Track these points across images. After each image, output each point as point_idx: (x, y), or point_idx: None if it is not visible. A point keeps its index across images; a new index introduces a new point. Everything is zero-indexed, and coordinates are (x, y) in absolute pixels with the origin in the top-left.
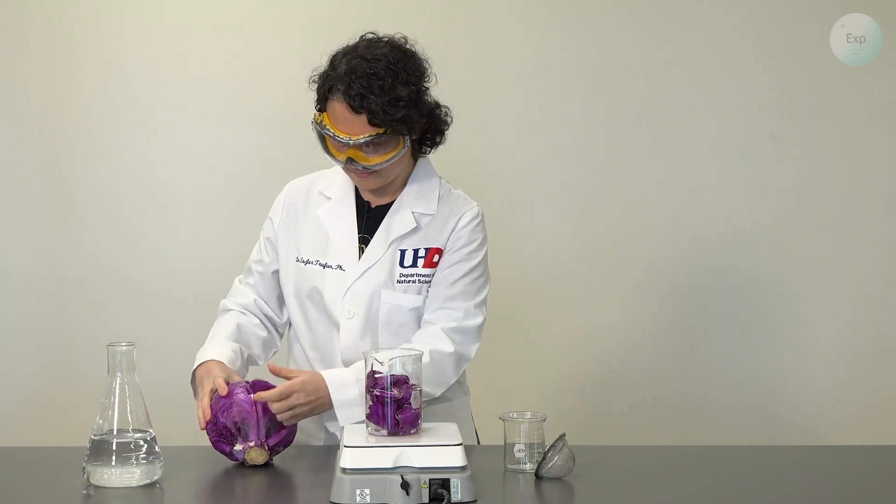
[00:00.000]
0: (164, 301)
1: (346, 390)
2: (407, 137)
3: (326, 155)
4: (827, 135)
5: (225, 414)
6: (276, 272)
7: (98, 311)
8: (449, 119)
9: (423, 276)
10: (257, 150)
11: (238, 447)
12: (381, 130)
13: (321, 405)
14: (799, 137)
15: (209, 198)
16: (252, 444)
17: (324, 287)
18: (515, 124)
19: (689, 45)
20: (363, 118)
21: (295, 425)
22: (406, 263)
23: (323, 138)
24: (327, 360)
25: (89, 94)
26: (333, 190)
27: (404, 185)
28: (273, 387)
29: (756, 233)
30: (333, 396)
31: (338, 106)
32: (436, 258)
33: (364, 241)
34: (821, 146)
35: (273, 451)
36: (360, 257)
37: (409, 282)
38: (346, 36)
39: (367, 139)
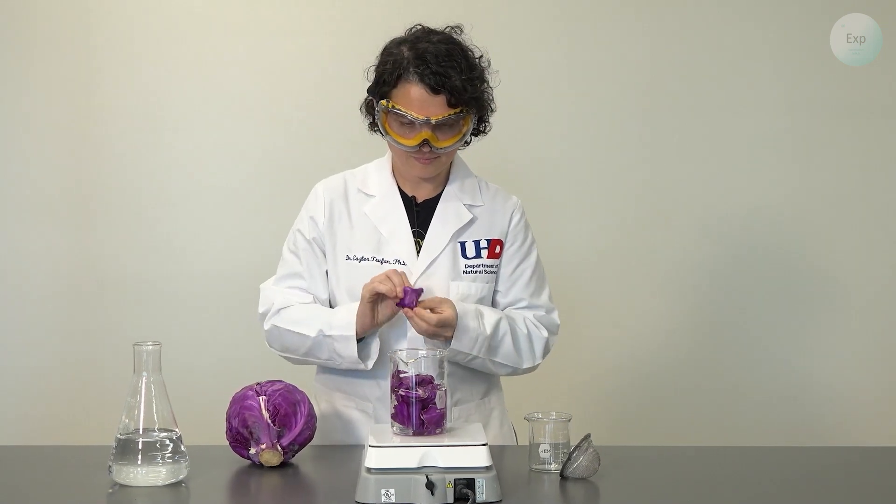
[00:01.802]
0: (189, 302)
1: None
2: (475, 117)
3: (392, 141)
4: (851, 134)
5: (236, 419)
6: (326, 271)
7: (123, 312)
8: (494, 106)
9: (488, 266)
10: (279, 153)
11: (252, 450)
12: (457, 110)
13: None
14: (826, 137)
15: (231, 200)
16: (264, 446)
17: None
18: (538, 122)
19: (715, 45)
20: (441, 99)
21: (312, 425)
22: (469, 254)
23: (384, 125)
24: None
25: (112, 98)
26: (373, 187)
27: (446, 178)
28: (289, 391)
29: (783, 234)
30: (459, 322)
31: (413, 89)
32: (497, 249)
33: (418, 235)
34: (849, 146)
35: (287, 451)
36: (417, 251)
37: (476, 272)
38: (364, 37)
39: (445, 119)
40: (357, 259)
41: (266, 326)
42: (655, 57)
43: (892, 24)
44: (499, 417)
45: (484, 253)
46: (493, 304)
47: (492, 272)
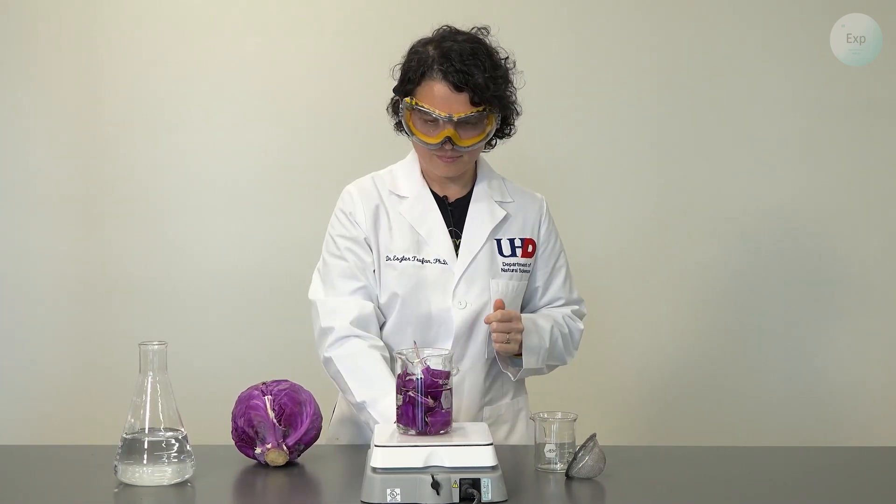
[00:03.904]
0: (195, 302)
1: (535, 336)
2: (498, 116)
3: (415, 139)
4: (867, 133)
5: (242, 419)
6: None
7: (129, 312)
8: (519, 109)
9: (523, 265)
10: (286, 154)
11: (258, 450)
12: (480, 108)
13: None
14: (841, 137)
15: (238, 201)
16: (269, 446)
17: (427, 282)
18: (553, 123)
19: (724, 46)
20: (464, 97)
21: (317, 425)
22: (505, 252)
23: (408, 123)
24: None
25: (118, 99)
26: (405, 188)
27: (474, 178)
28: (294, 391)
29: (797, 234)
30: (525, 342)
31: (437, 87)
32: (530, 248)
33: (454, 234)
34: (866, 145)
35: (293, 450)
36: (456, 250)
37: (512, 270)
38: (370, 38)
39: (468, 116)
40: (398, 259)
41: (326, 354)
42: (664, 58)
43: (893, 24)
44: (525, 418)
45: (518, 252)
46: (529, 303)
47: (525, 271)
